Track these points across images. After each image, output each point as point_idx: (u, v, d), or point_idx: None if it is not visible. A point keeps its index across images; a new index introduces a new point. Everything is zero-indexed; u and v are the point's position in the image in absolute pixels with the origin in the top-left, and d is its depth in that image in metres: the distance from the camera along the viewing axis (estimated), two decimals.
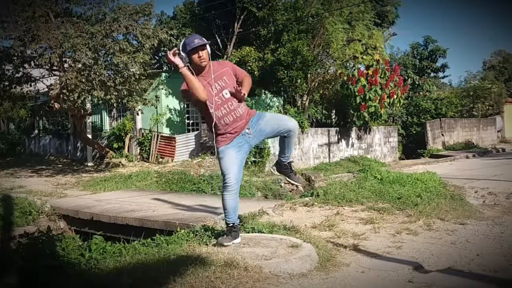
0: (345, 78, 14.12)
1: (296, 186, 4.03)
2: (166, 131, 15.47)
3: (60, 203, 7.87)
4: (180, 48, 3.76)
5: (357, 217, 5.49)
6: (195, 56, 3.73)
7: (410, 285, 3.22)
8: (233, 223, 3.94)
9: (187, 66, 3.74)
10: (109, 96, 11.15)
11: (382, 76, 14.07)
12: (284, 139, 4.03)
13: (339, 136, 14.97)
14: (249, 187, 8.34)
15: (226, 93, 3.80)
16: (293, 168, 4.31)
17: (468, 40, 72.63)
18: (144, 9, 11.90)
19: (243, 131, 3.87)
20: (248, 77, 4.03)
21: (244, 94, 3.78)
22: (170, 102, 15.92)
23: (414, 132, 19.80)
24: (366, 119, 14.43)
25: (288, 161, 4.21)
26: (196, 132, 14.94)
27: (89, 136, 15.27)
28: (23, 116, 21.53)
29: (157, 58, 18.34)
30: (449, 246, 4.26)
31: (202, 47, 3.73)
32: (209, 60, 3.83)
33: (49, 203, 7.67)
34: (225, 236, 3.93)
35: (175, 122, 16.09)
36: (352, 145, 15.44)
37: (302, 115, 13.94)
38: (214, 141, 3.94)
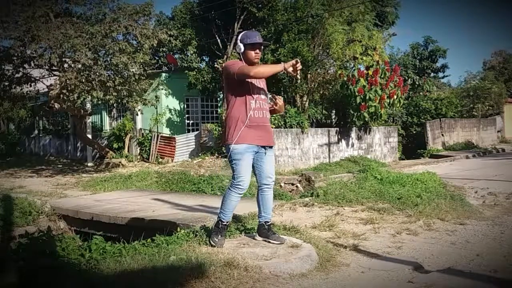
0: (345, 78, 14.10)
1: (280, 243, 3.93)
2: (166, 131, 15.48)
3: (60, 203, 7.86)
4: (239, 38, 3.93)
5: (357, 217, 5.49)
6: (252, 51, 3.89)
7: (410, 285, 3.21)
8: (228, 222, 4.01)
9: (239, 56, 3.94)
10: (109, 96, 11.16)
11: (382, 76, 14.06)
12: (259, 195, 4.08)
13: (339, 136, 14.97)
14: (249, 187, 8.31)
15: (263, 94, 4.00)
16: (272, 229, 4.10)
17: (468, 40, 72.71)
18: (144, 9, 11.91)
19: (264, 144, 3.91)
20: None
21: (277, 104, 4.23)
22: (170, 102, 15.93)
23: (414, 132, 19.78)
24: (366, 119, 14.42)
25: (265, 221, 4.04)
26: (196, 132, 14.94)
27: (89, 136, 15.27)
28: (23, 116, 21.54)
29: (157, 58, 18.36)
30: (449, 246, 4.26)
31: (261, 45, 3.95)
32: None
33: (49, 203, 7.66)
34: (219, 235, 3.91)
35: (175, 122, 16.09)
36: (352, 145, 15.43)
37: (302, 115, 13.93)
38: (235, 136, 3.78)
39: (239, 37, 3.94)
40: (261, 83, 3.99)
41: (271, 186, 4.04)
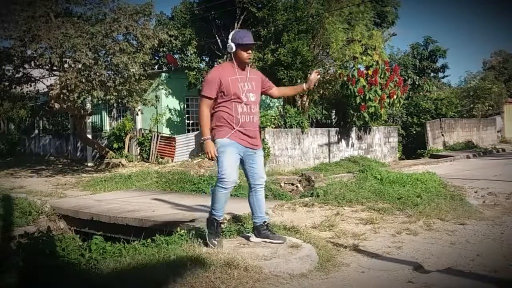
0: (345, 78, 14.11)
1: (280, 243, 3.93)
2: (166, 131, 15.47)
3: (60, 203, 7.86)
4: (230, 37, 3.88)
5: (357, 217, 5.49)
6: (244, 52, 3.88)
7: (410, 285, 3.22)
8: (222, 219, 3.98)
9: (230, 56, 3.92)
10: (109, 96, 11.16)
11: (382, 76, 14.06)
12: (252, 196, 4.05)
13: (339, 136, 14.97)
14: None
15: (252, 96, 3.92)
16: (271, 228, 4.11)
17: (468, 40, 72.69)
18: (144, 9, 11.90)
19: (250, 147, 3.93)
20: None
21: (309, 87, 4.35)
22: (170, 102, 15.93)
23: (414, 132, 19.79)
24: (366, 119, 14.42)
25: (263, 221, 4.04)
26: (196, 132, 14.93)
27: (89, 136, 15.26)
28: (23, 116, 21.52)
29: (157, 58, 18.38)
30: (449, 246, 4.26)
31: (253, 46, 3.99)
32: None
33: (49, 203, 7.65)
34: (216, 236, 3.90)
35: (175, 122, 16.09)
36: (352, 145, 15.43)
37: (302, 115, 13.93)
38: (221, 132, 3.84)
39: (230, 36, 3.89)
40: (249, 85, 3.91)
41: (263, 186, 4.08)
